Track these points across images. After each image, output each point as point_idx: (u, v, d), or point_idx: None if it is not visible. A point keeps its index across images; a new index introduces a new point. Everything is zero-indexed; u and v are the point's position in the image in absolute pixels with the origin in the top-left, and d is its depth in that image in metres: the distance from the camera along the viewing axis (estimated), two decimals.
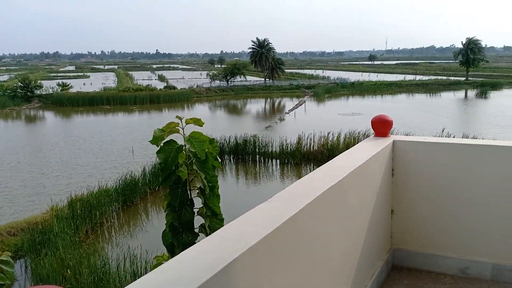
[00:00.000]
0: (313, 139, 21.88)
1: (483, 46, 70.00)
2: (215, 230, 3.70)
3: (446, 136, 21.73)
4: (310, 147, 21.64)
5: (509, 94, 52.85)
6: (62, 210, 13.95)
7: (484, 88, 55.80)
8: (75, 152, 24.94)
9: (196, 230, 3.61)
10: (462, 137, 21.75)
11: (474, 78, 67.74)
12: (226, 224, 2.04)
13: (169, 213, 3.55)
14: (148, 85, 59.47)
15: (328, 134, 21.98)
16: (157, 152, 3.46)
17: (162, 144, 3.48)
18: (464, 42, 67.76)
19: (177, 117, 3.49)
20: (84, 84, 74.57)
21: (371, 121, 3.67)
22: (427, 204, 3.54)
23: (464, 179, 3.38)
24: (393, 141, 3.53)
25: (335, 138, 21.90)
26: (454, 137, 21.73)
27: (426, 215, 3.56)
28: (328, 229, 2.48)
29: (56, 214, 13.40)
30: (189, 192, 3.57)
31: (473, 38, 67.41)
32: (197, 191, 3.63)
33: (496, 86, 59.58)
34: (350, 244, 2.86)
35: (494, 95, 52.35)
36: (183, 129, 3.49)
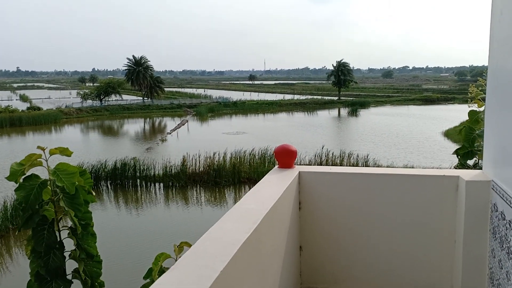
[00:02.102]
0: (199, 159, 21.51)
1: (351, 68, 76.68)
2: (92, 274, 3.22)
3: (325, 153, 22.82)
4: (195, 168, 21.22)
5: (376, 112, 58.66)
6: None
7: (355, 107, 61.43)
8: None
9: (69, 277, 3.17)
10: (340, 154, 23.01)
11: (345, 98, 74.22)
12: None
13: (33, 260, 3.09)
14: (8, 106, 54.42)
15: (214, 154, 21.77)
16: (16, 190, 2.96)
17: (21, 180, 2.99)
18: (334, 64, 73.57)
19: (38, 147, 3.03)
20: None
21: (274, 152, 3.49)
22: (334, 237, 3.40)
23: (369, 209, 3.30)
24: (299, 172, 3.35)
25: (222, 158, 21.72)
26: (333, 153, 22.90)
27: (334, 250, 3.42)
28: None
29: None
30: (57, 234, 3.12)
31: (342, 60, 73.58)
32: (68, 231, 3.18)
33: (364, 105, 66.21)
34: None
35: (363, 113, 57.73)
36: (46, 160, 3.02)
